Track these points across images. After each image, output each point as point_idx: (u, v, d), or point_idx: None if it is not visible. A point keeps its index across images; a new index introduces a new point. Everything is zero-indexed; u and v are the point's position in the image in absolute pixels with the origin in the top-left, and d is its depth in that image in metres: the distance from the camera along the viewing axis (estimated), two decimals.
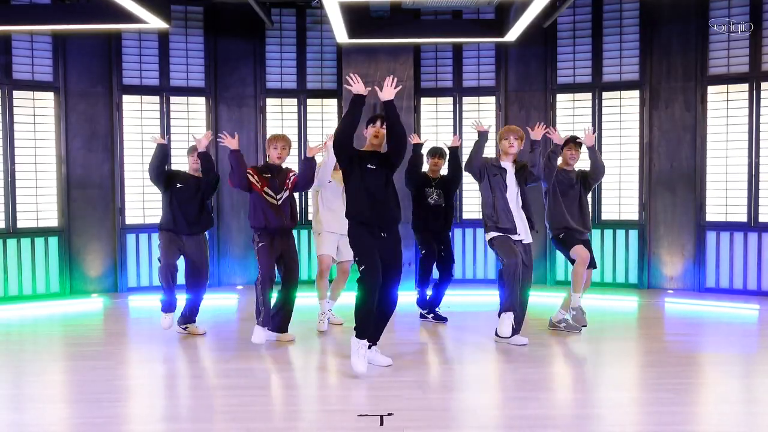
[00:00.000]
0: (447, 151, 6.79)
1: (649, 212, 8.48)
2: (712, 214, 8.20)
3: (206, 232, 6.45)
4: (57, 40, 8.19)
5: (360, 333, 5.01)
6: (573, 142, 6.38)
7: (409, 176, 6.60)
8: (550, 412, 4.34)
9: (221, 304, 7.86)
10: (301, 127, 8.95)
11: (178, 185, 6.20)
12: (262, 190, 5.88)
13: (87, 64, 8.38)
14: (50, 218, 8.24)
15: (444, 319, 6.77)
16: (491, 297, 7.10)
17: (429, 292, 6.80)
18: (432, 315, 6.80)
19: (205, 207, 6.31)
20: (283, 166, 6.13)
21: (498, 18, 8.27)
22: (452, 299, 7.52)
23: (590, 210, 6.53)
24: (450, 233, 6.86)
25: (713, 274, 8.23)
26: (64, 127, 8.25)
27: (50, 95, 8.22)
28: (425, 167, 6.80)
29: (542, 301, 7.72)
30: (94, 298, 8.15)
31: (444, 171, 6.85)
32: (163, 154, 6.22)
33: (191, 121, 8.76)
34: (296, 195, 6.44)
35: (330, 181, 6.35)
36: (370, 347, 5.16)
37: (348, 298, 6.24)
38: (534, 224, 5.86)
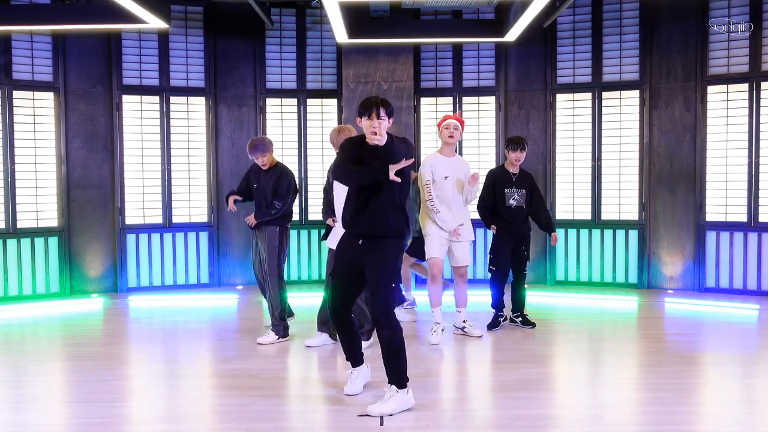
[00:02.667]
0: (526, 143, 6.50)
1: (649, 212, 8.48)
2: (712, 214, 8.20)
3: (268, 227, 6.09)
4: (57, 40, 8.19)
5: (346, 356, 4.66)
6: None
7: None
8: (550, 412, 4.35)
9: (221, 304, 7.85)
10: (301, 127, 8.96)
11: (254, 185, 6.18)
12: None
13: (87, 64, 8.38)
14: (50, 218, 8.24)
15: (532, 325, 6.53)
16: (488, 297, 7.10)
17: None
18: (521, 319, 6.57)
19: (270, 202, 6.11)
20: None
21: (498, 18, 8.27)
22: (451, 299, 7.51)
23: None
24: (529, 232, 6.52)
25: (713, 274, 8.24)
26: (64, 127, 8.25)
27: (50, 95, 8.22)
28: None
29: (542, 300, 7.73)
30: (94, 298, 8.15)
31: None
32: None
33: (191, 121, 8.76)
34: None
35: (447, 177, 5.92)
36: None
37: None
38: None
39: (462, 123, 6.07)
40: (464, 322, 6.20)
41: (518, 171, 6.39)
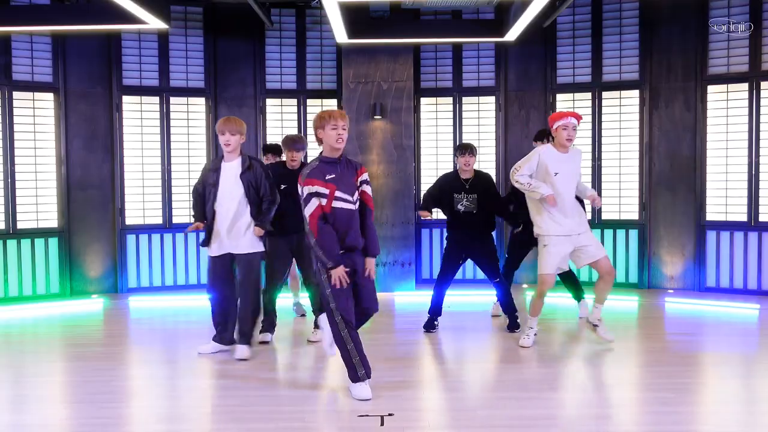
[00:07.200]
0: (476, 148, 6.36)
1: (649, 212, 8.48)
2: (712, 213, 8.20)
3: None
4: (57, 40, 8.19)
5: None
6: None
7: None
8: (550, 412, 4.34)
9: None
10: (301, 127, 8.95)
11: (282, 186, 5.90)
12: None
13: (87, 65, 8.38)
14: (50, 219, 8.24)
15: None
16: (489, 297, 7.10)
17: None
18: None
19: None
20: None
21: (498, 18, 8.27)
22: (452, 299, 7.52)
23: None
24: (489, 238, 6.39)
25: (713, 274, 8.23)
26: (64, 127, 8.25)
27: (50, 96, 8.22)
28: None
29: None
30: (94, 298, 8.15)
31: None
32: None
33: (191, 121, 8.76)
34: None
35: (557, 174, 5.49)
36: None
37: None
38: None
39: (580, 119, 5.60)
40: (599, 320, 5.82)
41: (472, 175, 6.25)
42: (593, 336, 5.91)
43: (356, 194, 4.53)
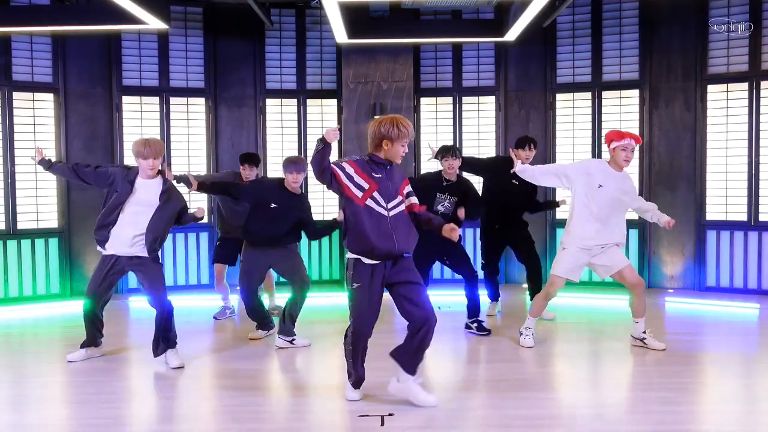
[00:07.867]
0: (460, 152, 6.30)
1: None
2: (713, 213, 8.20)
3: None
4: (56, 41, 8.18)
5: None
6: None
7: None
8: (550, 412, 4.35)
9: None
10: (301, 127, 8.96)
11: (272, 205, 5.91)
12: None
13: (86, 65, 8.38)
14: (50, 219, 8.23)
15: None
16: (485, 297, 7.10)
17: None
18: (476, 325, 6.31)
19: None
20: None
21: (497, 18, 8.27)
22: (451, 299, 7.52)
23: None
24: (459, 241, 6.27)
25: (713, 274, 8.23)
26: (63, 128, 8.25)
27: (50, 96, 8.21)
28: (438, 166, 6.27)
29: None
30: None
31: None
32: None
33: (191, 122, 8.76)
34: None
35: (601, 186, 5.51)
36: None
37: None
38: None
39: (639, 141, 5.69)
40: (644, 333, 5.74)
41: (454, 179, 6.18)
42: (589, 336, 5.91)
43: (394, 202, 4.36)
